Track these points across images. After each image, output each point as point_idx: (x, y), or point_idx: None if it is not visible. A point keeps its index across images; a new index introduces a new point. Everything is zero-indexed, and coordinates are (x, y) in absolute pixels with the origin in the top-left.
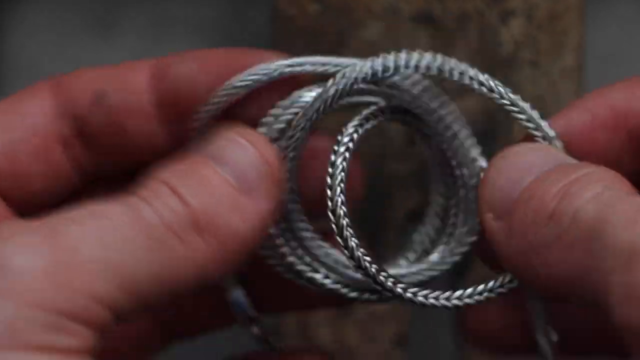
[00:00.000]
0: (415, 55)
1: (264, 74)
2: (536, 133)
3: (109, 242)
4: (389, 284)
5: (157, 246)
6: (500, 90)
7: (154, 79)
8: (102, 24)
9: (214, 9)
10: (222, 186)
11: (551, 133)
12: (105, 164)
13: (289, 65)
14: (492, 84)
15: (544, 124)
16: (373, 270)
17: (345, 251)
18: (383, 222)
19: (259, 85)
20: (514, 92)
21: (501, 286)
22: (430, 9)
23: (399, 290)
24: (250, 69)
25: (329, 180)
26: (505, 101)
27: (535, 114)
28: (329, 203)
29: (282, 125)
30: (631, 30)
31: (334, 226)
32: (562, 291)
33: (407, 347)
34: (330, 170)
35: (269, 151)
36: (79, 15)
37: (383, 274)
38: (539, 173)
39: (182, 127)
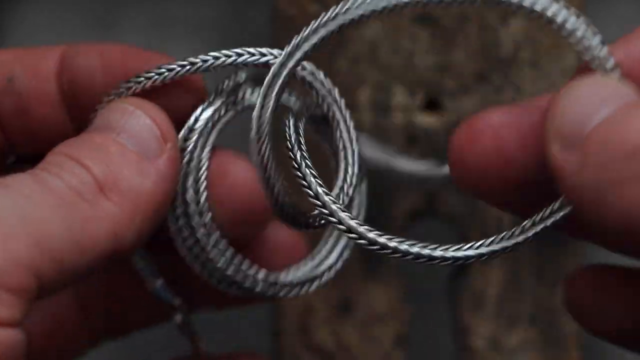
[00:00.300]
0: None
1: (158, 75)
2: (594, 61)
3: (24, 210)
4: (352, 223)
5: (68, 211)
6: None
7: (60, 67)
8: (102, 24)
9: (214, 9)
10: (121, 151)
11: (610, 63)
12: (18, 147)
13: (181, 66)
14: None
15: (603, 53)
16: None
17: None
18: (383, 222)
19: (153, 85)
20: (514, 92)
21: (549, 217)
22: (430, 9)
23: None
24: (148, 69)
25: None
26: (559, 21)
27: (595, 40)
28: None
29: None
30: (631, 30)
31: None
32: (634, 234)
33: (407, 347)
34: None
35: (160, 115)
36: (79, 15)
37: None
38: (615, 107)
39: (85, 117)
